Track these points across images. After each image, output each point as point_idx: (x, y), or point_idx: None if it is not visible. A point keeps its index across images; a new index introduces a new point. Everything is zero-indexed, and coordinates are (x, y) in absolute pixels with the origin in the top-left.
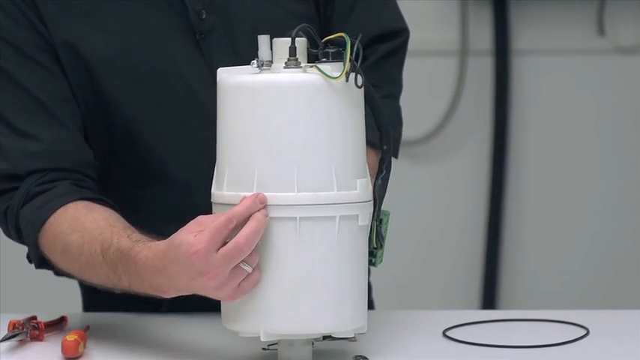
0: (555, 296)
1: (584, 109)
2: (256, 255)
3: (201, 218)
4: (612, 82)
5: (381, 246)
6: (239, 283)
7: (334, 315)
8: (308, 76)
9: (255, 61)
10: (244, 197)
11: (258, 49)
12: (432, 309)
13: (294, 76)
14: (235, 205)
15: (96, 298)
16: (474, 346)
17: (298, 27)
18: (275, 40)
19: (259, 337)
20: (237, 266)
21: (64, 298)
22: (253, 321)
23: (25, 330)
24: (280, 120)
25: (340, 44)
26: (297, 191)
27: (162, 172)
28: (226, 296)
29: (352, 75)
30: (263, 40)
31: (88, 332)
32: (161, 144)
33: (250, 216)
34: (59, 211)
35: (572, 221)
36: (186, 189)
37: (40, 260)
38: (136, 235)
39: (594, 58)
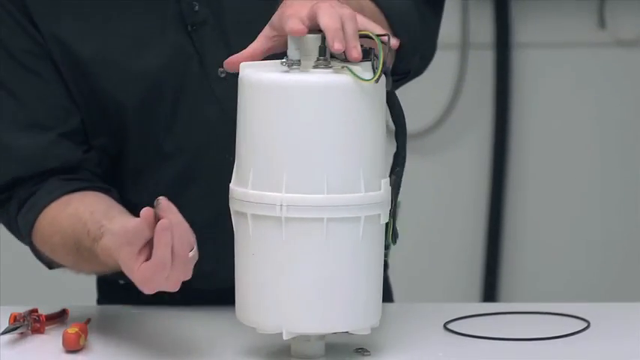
0: (556, 289)
1: (584, 102)
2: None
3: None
4: (613, 75)
5: (395, 242)
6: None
7: (355, 313)
8: (339, 78)
9: (284, 59)
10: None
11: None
12: (432, 302)
13: (326, 77)
14: (258, 203)
15: (108, 291)
16: (474, 339)
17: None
18: (305, 37)
19: (279, 333)
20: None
21: (65, 290)
22: (275, 318)
23: (25, 323)
24: (310, 121)
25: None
26: (327, 193)
27: (160, 155)
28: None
29: (383, 77)
30: (292, 39)
31: (89, 325)
32: (153, 130)
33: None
34: (43, 214)
35: (572, 214)
36: (185, 172)
37: (48, 262)
38: (98, 228)
39: (595, 51)
